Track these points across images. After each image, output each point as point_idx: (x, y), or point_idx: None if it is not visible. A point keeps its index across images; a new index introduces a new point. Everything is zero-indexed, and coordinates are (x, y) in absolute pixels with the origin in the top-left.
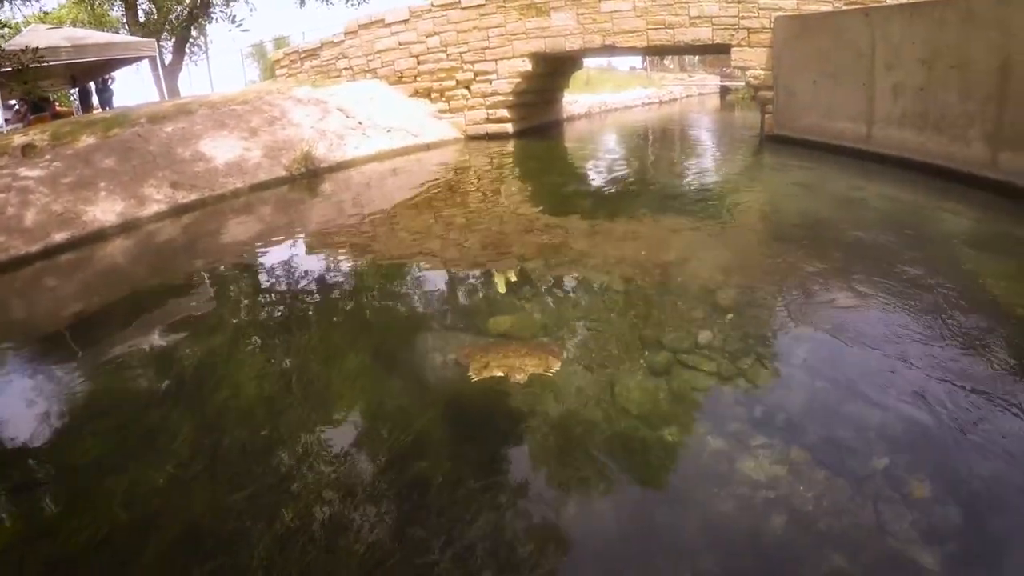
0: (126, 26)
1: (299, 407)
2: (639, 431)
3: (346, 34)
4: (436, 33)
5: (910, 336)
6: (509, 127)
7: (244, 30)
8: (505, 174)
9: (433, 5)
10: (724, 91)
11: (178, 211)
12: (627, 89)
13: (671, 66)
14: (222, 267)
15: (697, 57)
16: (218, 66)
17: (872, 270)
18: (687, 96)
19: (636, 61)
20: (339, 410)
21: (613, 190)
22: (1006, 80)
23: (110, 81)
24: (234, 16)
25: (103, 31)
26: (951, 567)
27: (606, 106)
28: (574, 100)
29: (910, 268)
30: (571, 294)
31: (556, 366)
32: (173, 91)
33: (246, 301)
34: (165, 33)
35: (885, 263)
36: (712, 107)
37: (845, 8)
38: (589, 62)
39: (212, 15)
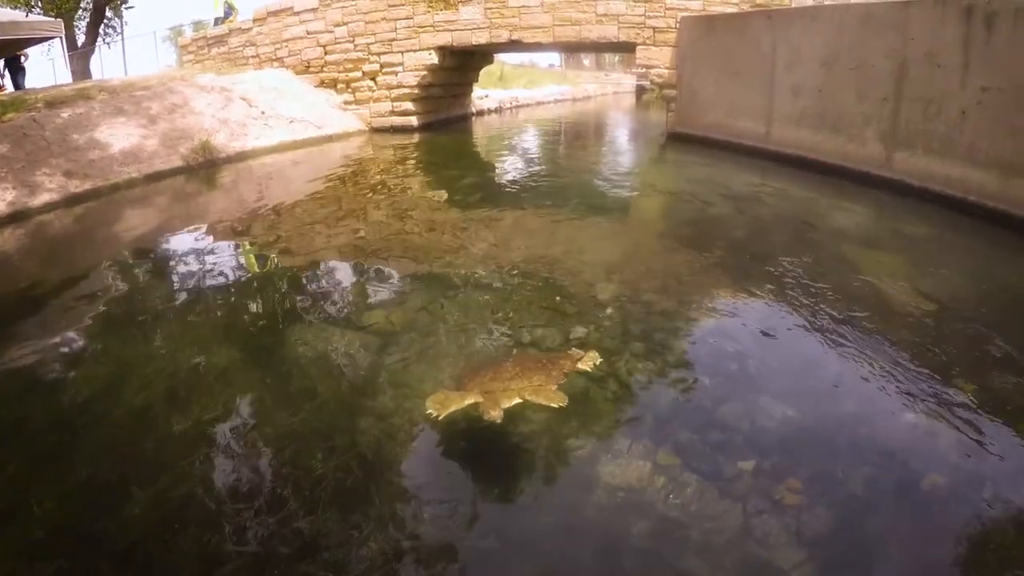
0: (39, 3)
1: (172, 407)
2: (502, 432)
3: (254, 21)
4: (344, 23)
5: (790, 333)
6: (414, 120)
7: (129, 7)
8: (405, 168)
9: None
10: (640, 90)
11: (70, 201)
12: (540, 85)
13: (588, 64)
14: (114, 263)
15: (617, 56)
16: (136, 49)
17: (757, 267)
18: (602, 94)
19: (555, 58)
20: (214, 410)
21: (509, 185)
22: (902, 82)
23: (23, 59)
24: None
25: (12, 8)
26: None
27: (517, 101)
28: (485, 95)
29: (796, 264)
30: (451, 289)
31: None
32: (85, 74)
33: (135, 299)
34: (79, 12)
35: (771, 260)
36: (627, 106)
37: (750, 10)
38: (508, 58)
39: None
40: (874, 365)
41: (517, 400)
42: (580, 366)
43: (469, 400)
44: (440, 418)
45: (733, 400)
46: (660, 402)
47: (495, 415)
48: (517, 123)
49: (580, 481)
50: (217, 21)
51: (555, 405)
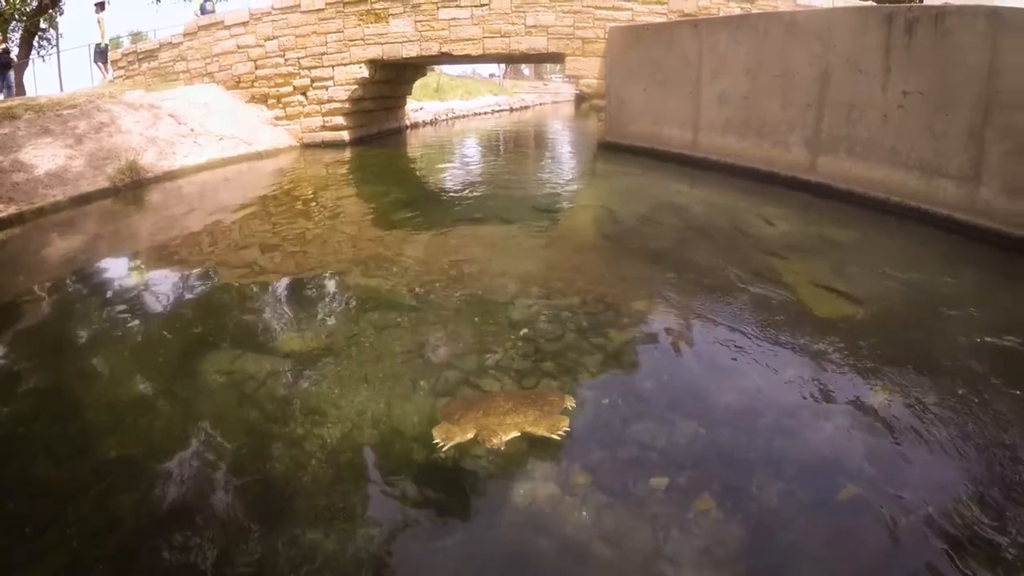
0: None
1: (99, 434)
2: (413, 453)
3: (185, 35)
4: (275, 37)
5: (707, 348)
6: (345, 135)
7: (44, 28)
8: (334, 184)
9: (273, 8)
10: (579, 99)
11: None
12: (477, 96)
13: (528, 74)
14: (39, 291)
15: (558, 65)
16: (72, 61)
17: (678, 278)
18: (540, 104)
19: (495, 68)
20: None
21: (434, 200)
22: (825, 88)
23: (12, 56)
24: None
25: None
26: None
27: (453, 113)
28: (420, 107)
29: (718, 274)
30: (367, 311)
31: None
32: (19, 89)
33: (58, 327)
34: (13, 24)
35: (692, 270)
36: (565, 115)
37: (677, 19)
38: (447, 69)
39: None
40: (793, 374)
41: (516, 433)
42: (567, 402)
43: (470, 435)
44: (445, 448)
45: (647, 417)
46: (573, 421)
47: (496, 443)
48: (451, 135)
49: (492, 502)
50: (105, 47)
51: (556, 436)
